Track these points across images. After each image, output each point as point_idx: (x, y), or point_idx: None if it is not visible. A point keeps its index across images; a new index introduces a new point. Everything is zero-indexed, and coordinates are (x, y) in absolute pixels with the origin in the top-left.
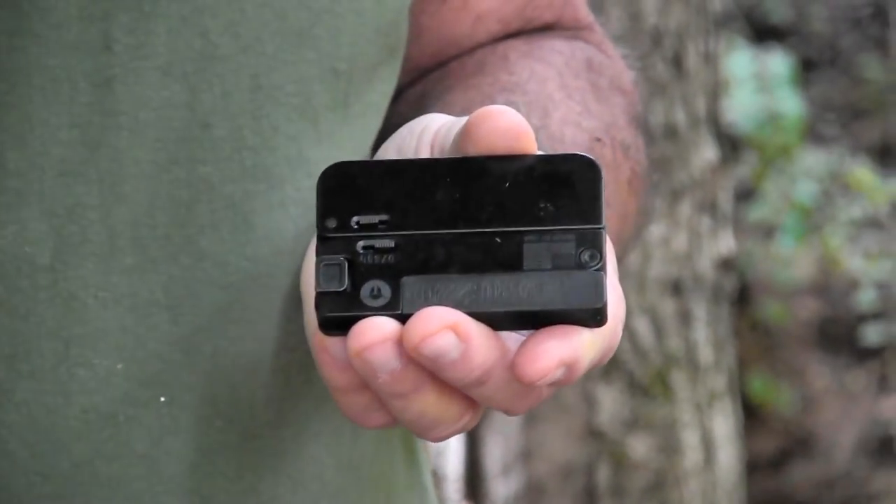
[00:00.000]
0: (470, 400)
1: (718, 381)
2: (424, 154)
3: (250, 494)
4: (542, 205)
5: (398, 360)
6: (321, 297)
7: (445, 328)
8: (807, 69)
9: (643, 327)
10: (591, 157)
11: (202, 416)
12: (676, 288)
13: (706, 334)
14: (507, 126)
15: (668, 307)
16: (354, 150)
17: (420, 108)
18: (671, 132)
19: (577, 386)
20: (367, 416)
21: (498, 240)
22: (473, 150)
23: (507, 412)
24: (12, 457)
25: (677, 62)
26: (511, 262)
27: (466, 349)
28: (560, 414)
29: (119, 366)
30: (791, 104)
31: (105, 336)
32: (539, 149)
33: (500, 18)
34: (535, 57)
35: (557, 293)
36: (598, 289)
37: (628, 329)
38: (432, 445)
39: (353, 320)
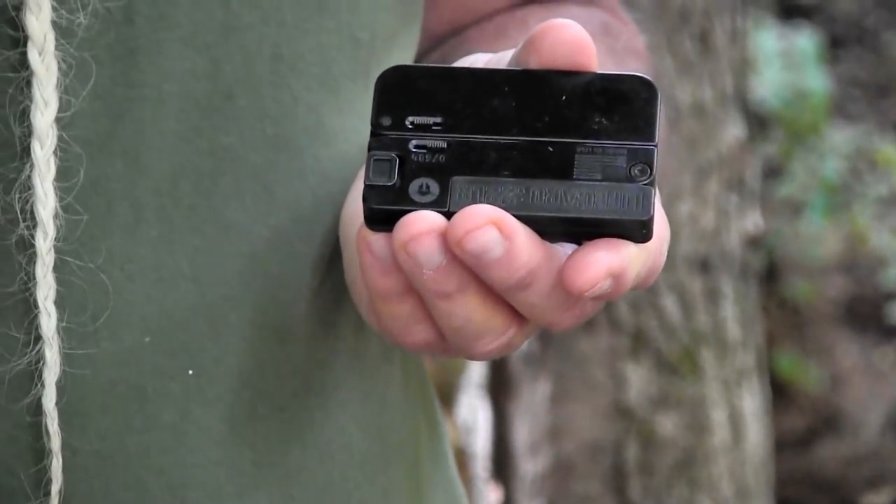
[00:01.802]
0: (515, 313)
1: (746, 359)
2: None
3: (278, 465)
4: (597, 119)
5: (443, 255)
6: (369, 190)
7: (489, 224)
8: (834, 47)
9: (671, 305)
10: (650, 78)
11: (229, 388)
12: (704, 266)
13: (734, 312)
14: (571, 39)
15: (696, 285)
16: None
17: None
18: (698, 110)
19: (605, 364)
20: (408, 329)
21: (550, 149)
22: (536, 62)
23: (551, 326)
24: (40, 430)
25: (705, 40)
26: (562, 171)
27: (510, 247)
28: (588, 392)
29: (146, 338)
30: (818, 82)
31: (131, 308)
32: None
33: None
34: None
35: (606, 203)
36: (646, 202)
37: (656, 307)
38: (461, 424)
39: (399, 214)
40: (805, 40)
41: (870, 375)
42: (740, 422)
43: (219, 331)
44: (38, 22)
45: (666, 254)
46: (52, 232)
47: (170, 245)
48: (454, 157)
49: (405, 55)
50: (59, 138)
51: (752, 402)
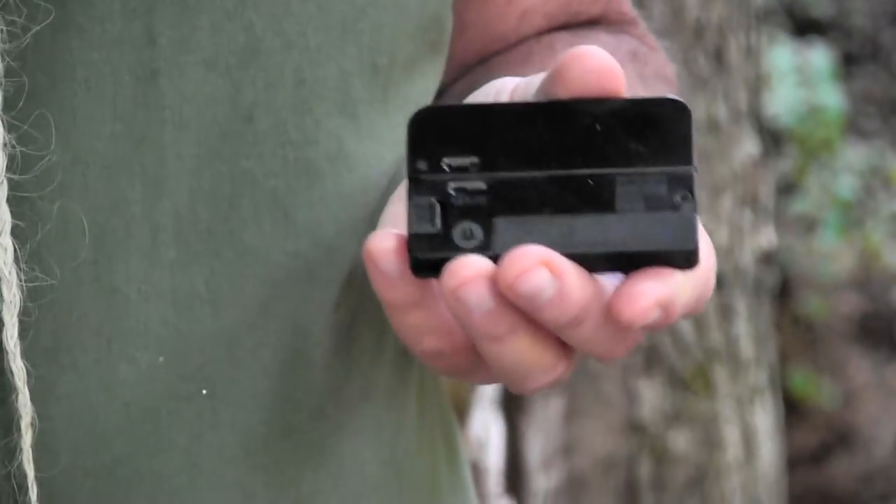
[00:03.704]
0: (564, 347)
1: (759, 376)
2: None
3: (291, 488)
4: (633, 146)
5: (492, 299)
6: (414, 239)
7: (539, 265)
8: (848, 63)
9: (684, 322)
10: (682, 99)
11: (244, 411)
12: (717, 282)
13: (747, 329)
14: (600, 67)
15: (709, 301)
16: (395, 143)
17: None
18: (712, 126)
19: (618, 380)
20: (420, 338)
21: (590, 181)
22: (564, 92)
23: (603, 358)
24: (54, 451)
25: (719, 56)
26: (604, 204)
27: (562, 286)
28: (601, 408)
29: (161, 360)
30: (832, 98)
31: (147, 330)
32: None
33: (545, 13)
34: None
35: (651, 234)
36: (691, 230)
37: None
38: (474, 439)
39: (445, 261)
40: (819, 57)
41: (883, 392)
42: (753, 438)
43: (234, 354)
44: None
45: (714, 280)
46: (2, 162)
47: (187, 268)
48: (494, 198)
49: (428, 83)
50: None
51: (765, 419)
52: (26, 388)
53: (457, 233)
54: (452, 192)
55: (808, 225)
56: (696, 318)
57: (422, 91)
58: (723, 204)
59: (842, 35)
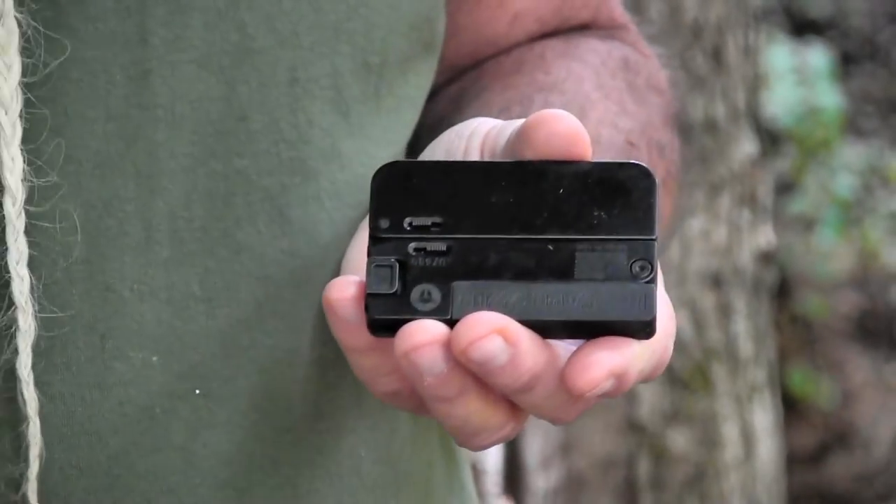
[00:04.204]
0: (514, 408)
1: (758, 375)
2: (474, 157)
3: (287, 487)
4: (595, 213)
5: (445, 363)
6: (371, 299)
7: (494, 332)
8: (846, 63)
9: (683, 321)
10: (647, 166)
11: (238, 409)
12: (716, 281)
13: (746, 327)
14: (566, 131)
15: (707, 300)
16: (388, 142)
17: (457, 107)
18: (711, 126)
19: None
20: (376, 380)
21: (551, 247)
22: (530, 153)
23: (554, 421)
24: (49, 450)
25: (717, 56)
26: (563, 271)
27: (515, 354)
28: (600, 407)
29: (155, 358)
30: (830, 98)
31: (141, 329)
32: None
33: (537, 17)
34: (571, 56)
35: (608, 304)
36: (649, 301)
37: None
38: None
39: (402, 323)
40: (817, 56)
41: (881, 391)
42: (752, 437)
43: (228, 352)
44: None
45: (671, 348)
46: (21, 196)
47: (181, 266)
48: (455, 261)
49: (421, 81)
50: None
51: (764, 418)
52: (38, 417)
53: (415, 295)
54: (413, 252)
55: (807, 224)
56: (695, 316)
57: (416, 89)
58: (721, 203)
59: (840, 35)
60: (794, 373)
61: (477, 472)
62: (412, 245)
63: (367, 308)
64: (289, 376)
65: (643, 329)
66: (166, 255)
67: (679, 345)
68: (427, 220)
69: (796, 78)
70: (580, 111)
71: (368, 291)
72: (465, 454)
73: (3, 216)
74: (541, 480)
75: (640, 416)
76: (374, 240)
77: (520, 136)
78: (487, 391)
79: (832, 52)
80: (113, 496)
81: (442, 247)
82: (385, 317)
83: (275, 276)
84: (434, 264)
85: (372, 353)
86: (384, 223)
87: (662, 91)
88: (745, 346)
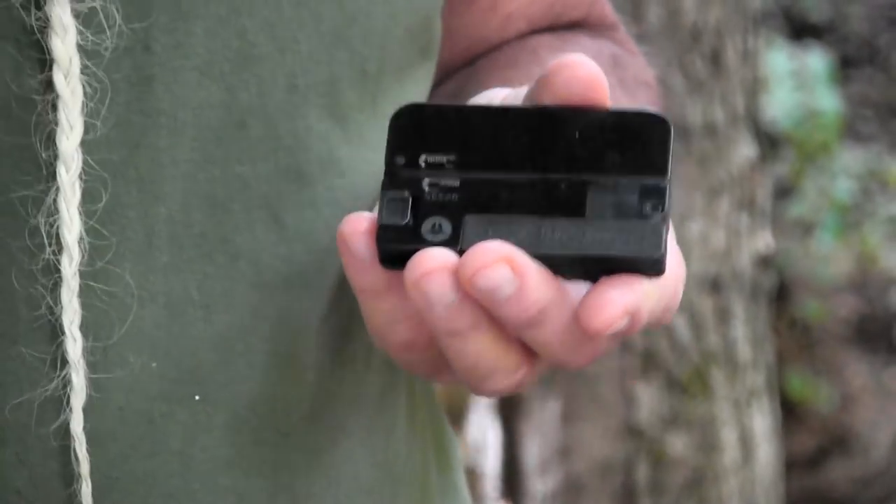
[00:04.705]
0: (527, 350)
1: (757, 379)
2: None
3: (285, 491)
4: (609, 155)
5: (454, 293)
6: (383, 230)
7: (500, 261)
8: (845, 67)
9: (682, 325)
10: (663, 114)
11: (236, 414)
12: (715, 285)
13: (744, 332)
14: (586, 75)
15: (706, 304)
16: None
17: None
18: (710, 129)
19: (616, 383)
20: (390, 327)
21: (563, 186)
22: (549, 98)
23: (565, 364)
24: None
25: (716, 59)
26: (574, 209)
27: (521, 284)
28: (598, 411)
29: (153, 364)
30: (829, 102)
31: (140, 334)
32: None
33: (528, 17)
34: (564, 52)
35: (617, 241)
36: (658, 238)
37: (667, 327)
38: (471, 443)
39: (411, 253)
40: (816, 60)
41: (880, 395)
42: (750, 441)
43: (226, 357)
44: (64, 45)
45: (681, 292)
46: (77, 256)
47: (180, 272)
48: (467, 196)
49: (419, 88)
50: (84, 163)
51: (763, 422)
52: (90, 479)
53: (426, 227)
54: (426, 188)
55: (806, 228)
56: (694, 320)
57: (413, 95)
58: (720, 207)
59: (839, 39)
60: (793, 377)
61: (475, 476)
62: (426, 180)
63: (377, 239)
64: (286, 381)
65: (652, 266)
66: (165, 261)
67: (677, 349)
68: (442, 158)
69: (795, 82)
70: None
71: (380, 223)
72: (460, 459)
73: (61, 275)
74: (539, 484)
75: (638, 420)
76: (390, 175)
77: (539, 83)
78: (499, 328)
79: (831, 56)
80: (112, 500)
81: (455, 182)
82: (396, 247)
83: (272, 282)
84: (446, 199)
85: (385, 296)
86: (399, 159)
87: (650, 86)
88: (744, 351)
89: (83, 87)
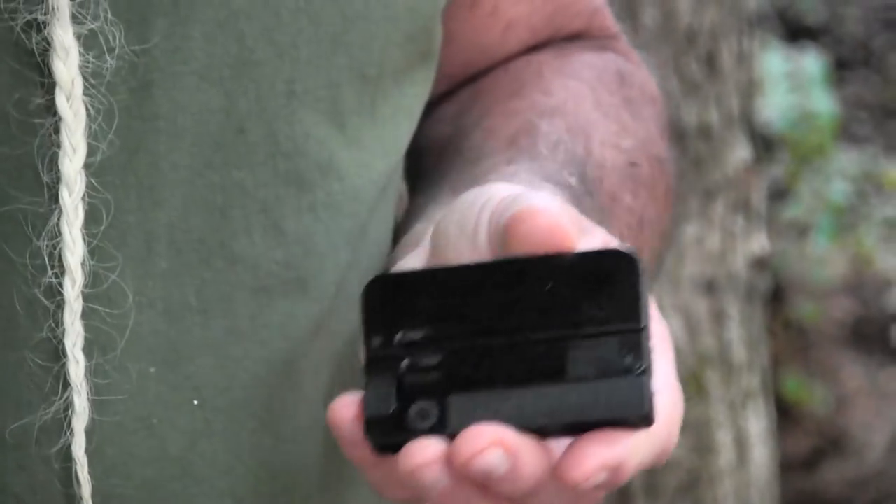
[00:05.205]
0: None
1: (752, 381)
2: (483, 230)
3: (284, 496)
4: (583, 306)
5: (448, 478)
6: (371, 424)
7: (492, 445)
8: (840, 69)
9: (677, 326)
10: (630, 251)
11: (235, 419)
12: (710, 287)
13: (739, 334)
14: (546, 225)
15: (701, 307)
16: (384, 153)
17: (460, 131)
18: (705, 132)
19: None
20: (387, 489)
21: (541, 348)
22: (515, 247)
23: None
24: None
25: (711, 62)
26: (556, 371)
27: (514, 463)
28: None
29: (152, 369)
30: (824, 104)
31: (139, 339)
32: (587, 177)
33: (529, 26)
34: (568, 73)
35: (602, 404)
36: (642, 395)
37: None
38: None
39: (402, 443)
40: (812, 62)
41: (875, 397)
42: (746, 443)
43: (224, 363)
44: (66, 67)
45: (676, 434)
46: (80, 279)
47: (178, 277)
48: (448, 373)
49: (419, 91)
50: (88, 184)
51: (758, 424)
52: (91, 501)
53: (413, 413)
54: (406, 369)
55: (801, 230)
56: (689, 322)
57: (412, 99)
58: (715, 209)
59: (834, 40)
60: (788, 379)
61: None
62: (406, 361)
63: (366, 431)
64: (285, 386)
65: (640, 422)
66: (164, 267)
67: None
68: (418, 334)
69: (790, 84)
70: (585, 136)
71: (366, 416)
72: None
73: (63, 297)
74: None
75: None
76: (369, 359)
77: (502, 233)
78: (495, 496)
79: (826, 58)
80: None
81: (434, 360)
82: (385, 440)
83: (270, 288)
84: (428, 379)
85: (380, 466)
86: (376, 341)
87: (656, 100)
88: (739, 353)
89: (86, 108)
